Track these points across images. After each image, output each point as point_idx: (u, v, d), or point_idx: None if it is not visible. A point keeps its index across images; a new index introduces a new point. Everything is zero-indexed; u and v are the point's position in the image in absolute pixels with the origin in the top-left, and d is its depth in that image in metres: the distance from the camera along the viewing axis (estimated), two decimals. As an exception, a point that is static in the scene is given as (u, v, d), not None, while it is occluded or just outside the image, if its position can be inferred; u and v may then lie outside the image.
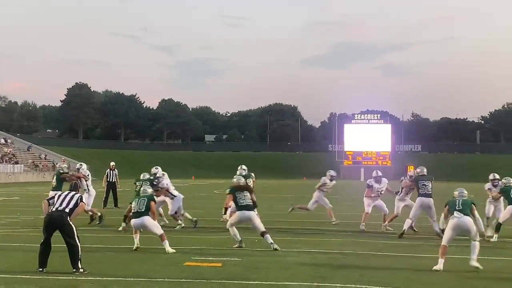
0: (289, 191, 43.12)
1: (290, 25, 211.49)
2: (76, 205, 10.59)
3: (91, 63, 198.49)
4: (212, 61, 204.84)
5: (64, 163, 17.85)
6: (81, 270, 10.04)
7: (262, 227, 13.42)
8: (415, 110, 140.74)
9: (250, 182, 17.51)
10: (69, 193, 10.84)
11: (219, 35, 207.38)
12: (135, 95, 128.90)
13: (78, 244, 10.23)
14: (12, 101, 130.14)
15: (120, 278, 9.69)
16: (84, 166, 19.14)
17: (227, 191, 13.96)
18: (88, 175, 18.88)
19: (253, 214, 13.47)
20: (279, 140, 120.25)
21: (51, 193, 14.70)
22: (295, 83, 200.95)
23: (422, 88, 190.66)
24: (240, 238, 13.46)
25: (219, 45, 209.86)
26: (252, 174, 19.07)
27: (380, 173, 18.04)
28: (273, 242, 13.07)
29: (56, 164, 57.52)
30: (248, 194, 13.58)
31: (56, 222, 10.30)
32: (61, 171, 17.73)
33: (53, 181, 17.56)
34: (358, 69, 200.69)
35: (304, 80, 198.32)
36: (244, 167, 18.92)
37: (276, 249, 12.89)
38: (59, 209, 10.42)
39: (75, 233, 10.32)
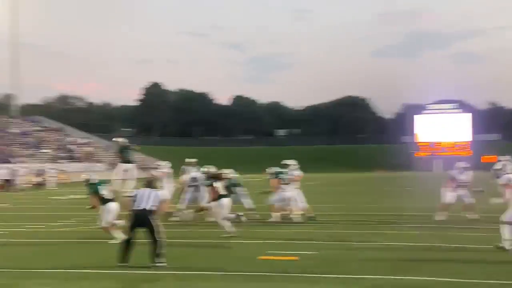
0: (379, 185, 42.67)
1: (359, 16, 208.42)
2: (158, 202, 10.96)
3: (164, 62, 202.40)
4: (281, 56, 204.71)
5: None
6: (159, 264, 10.37)
7: None
8: (490, 98, 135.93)
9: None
10: (151, 190, 11.18)
11: (287, 29, 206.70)
12: (207, 92, 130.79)
13: (161, 239, 10.58)
14: (91, 102, 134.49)
15: (198, 272, 9.95)
16: (164, 164, 19.61)
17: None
18: (166, 173, 19.28)
19: None
20: (350, 132, 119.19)
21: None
22: (366, 74, 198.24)
23: (496, 76, 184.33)
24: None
25: (288, 39, 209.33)
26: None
27: (466, 164, 17.61)
28: None
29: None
30: None
31: (142, 220, 10.66)
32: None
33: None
34: (430, 58, 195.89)
35: (375, 71, 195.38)
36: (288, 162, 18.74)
37: None
38: (143, 207, 10.78)
39: (159, 229, 10.70)
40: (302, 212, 17.96)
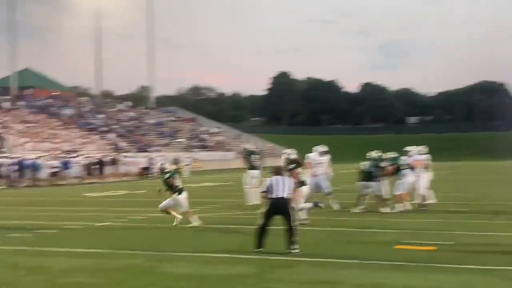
0: None
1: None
2: (292, 189, 10.94)
3: (293, 51, 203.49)
4: (412, 41, 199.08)
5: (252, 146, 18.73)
6: (296, 251, 10.34)
7: None
8: None
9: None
10: (283, 178, 11.16)
11: (417, 14, 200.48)
12: (335, 80, 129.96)
13: (296, 226, 10.56)
14: (221, 92, 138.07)
15: (333, 260, 9.83)
16: (290, 151, 19.63)
17: None
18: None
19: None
20: (486, 119, 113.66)
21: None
22: (503, 58, 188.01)
23: None
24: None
25: (418, 24, 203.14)
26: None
27: None
28: None
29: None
30: None
31: (280, 208, 10.70)
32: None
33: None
34: None
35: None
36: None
37: None
38: (280, 195, 10.79)
39: (295, 217, 10.69)
40: (417, 201, 17.40)
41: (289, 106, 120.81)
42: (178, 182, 15.07)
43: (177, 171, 15.64)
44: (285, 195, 10.76)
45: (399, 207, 17.03)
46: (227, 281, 8.40)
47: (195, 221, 14.78)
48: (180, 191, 14.99)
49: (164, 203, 15.11)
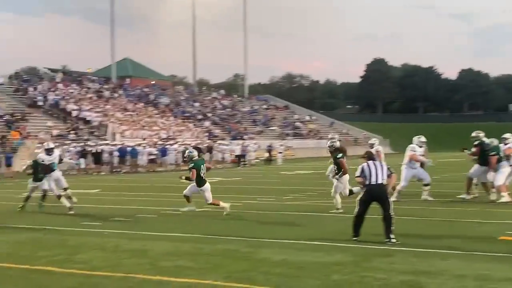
0: None
1: None
2: (387, 175, 10.69)
3: (387, 37, 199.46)
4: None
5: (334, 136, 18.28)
6: (393, 240, 10.11)
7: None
8: None
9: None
10: (378, 163, 10.92)
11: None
12: (433, 66, 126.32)
13: (393, 215, 10.32)
14: (314, 80, 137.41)
15: (433, 250, 9.55)
16: (375, 140, 19.27)
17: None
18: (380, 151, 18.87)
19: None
20: None
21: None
22: None
23: None
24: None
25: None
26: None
27: None
28: None
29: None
30: None
31: (378, 194, 10.48)
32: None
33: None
34: None
35: None
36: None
37: None
38: (378, 182, 10.56)
39: (392, 205, 10.45)
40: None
41: (384, 94, 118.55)
42: (203, 173, 14.90)
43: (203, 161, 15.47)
44: (381, 181, 10.52)
45: (503, 197, 16.31)
46: (324, 268, 8.32)
47: (226, 209, 14.75)
48: (203, 182, 14.87)
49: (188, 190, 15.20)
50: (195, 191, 15.13)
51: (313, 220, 13.57)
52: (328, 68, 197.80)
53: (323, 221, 13.43)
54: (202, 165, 15.05)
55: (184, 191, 15.32)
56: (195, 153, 15.48)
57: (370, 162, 10.83)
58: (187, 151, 15.79)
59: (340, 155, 14.99)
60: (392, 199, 16.01)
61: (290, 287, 7.23)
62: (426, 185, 17.38)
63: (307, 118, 78.44)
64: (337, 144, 15.69)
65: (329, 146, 15.60)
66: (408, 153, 17.57)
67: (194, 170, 14.77)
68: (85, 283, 7.67)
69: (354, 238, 10.43)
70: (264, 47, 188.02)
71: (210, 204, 14.94)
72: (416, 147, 17.64)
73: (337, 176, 14.88)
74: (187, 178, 15.02)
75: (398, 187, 16.90)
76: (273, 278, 7.73)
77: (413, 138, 18.15)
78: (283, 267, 8.47)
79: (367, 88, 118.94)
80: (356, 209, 10.60)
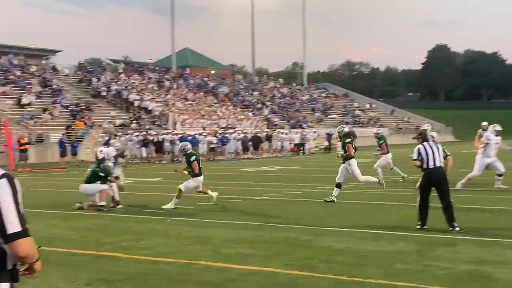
0: None
1: None
2: (443, 157, 10.37)
3: (449, 23, 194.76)
4: None
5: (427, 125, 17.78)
6: (457, 228, 9.90)
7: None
8: None
9: None
10: (435, 145, 10.57)
11: None
12: (497, 52, 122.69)
13: (452, 202, 10.09)
14: (374, 67, 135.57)
15: (499, 239, 9.34)
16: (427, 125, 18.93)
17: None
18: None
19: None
20: None
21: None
22: None
23: None
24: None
25: None
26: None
27: None
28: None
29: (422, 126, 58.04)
30: None
31: (437, 179, 10.22)
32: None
33: None
34: None
35: None
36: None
37: None
38: (437, 165, 10.27)
39: (450, 191, 10.22)
40: None
41: (447, 80, 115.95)
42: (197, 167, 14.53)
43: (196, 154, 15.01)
44: (439, 165, 10.21)
45: None
46: (387, 257, 8.24)
47: (213, 198, 14.65)
48: (197, 175, 14.51)
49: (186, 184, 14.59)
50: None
51: (374, 209, 13.45)
52: (388, 55, 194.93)
53: (384, 210, 13.30)
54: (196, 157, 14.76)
55: (181, 186, 14.57)
56: (189, 145, 15.45)
57: (426, 143, 10.45)
58: (181, 144, 15.60)
59: (348, 139, 15.00)
60: (457, 186, 15.82)
61: (352, 275, 7.19)
62: (500, 175, 16.91)
63: (367, 106, 77.56)
64: (346, 129, 15.78)
65: (338, 132, 15.73)
66: (481, 140, 17.12)
67: (196, 163, 14.53)
68: (150, 269, 7.84)
69: (419, 227, 10.22)
70: (323, 34, 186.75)
71: (200, 192, 14.86)
72: (491, 135, 17.11)
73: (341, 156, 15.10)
74: (187, 171, 14.66)
75: (469, 175, 16.59)
76: (335, 267, 7.70)
77: (489, 127, 17.65)
78: (344, 255, 8.43)
79: (429, 75, 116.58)
80: (418, 198, 10.40)
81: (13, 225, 2.92)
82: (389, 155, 20.17)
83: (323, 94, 78.79)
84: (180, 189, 14.32)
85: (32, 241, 3.00)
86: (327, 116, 68.54)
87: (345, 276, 7.19)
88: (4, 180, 2.98)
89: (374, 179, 15.84)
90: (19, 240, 2.93)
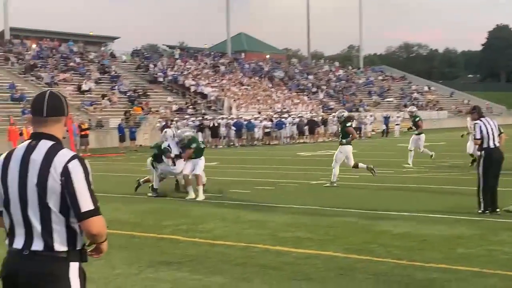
0: None
1: None
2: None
3: (510, 2, 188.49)
4: None
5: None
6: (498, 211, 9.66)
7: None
8: None
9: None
10: (492, 121, 10.21)
11: None
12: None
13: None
14: (433, 49, 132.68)
15: None
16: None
17: None
18: None
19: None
20: None
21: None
22: None
23: None
24: None
25: None
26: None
27: None
28: None
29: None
30: None
31: (498, 159, 9.94)
32: None
33: None
34: None
35: None
36: None
37: None
38: (496, 144, 9.94)
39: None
40: None
41: (508, 62, 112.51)
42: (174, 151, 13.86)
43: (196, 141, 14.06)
44: (498, 143, 9.89)
45: None
46: (447, 241, 8.09)
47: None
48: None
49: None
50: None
51: (433, 193, 13.22)
52: (447, 37, 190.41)
53: (443, 194, 13.04)
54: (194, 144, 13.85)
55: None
56: (188, 129, 14.89)
57: (484, 119, 10.09)
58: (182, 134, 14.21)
59: (349, 123, 15.09)
60: None
61: (413, 259, 7.09)
62: None
63: (425, 88, 76.12)
64: (346, 114, 15.78)
65: (338, 117, 15.82)
66: None
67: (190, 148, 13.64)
68: (210, 251, 7.91)
69: (483, 212, 9.95)
70: (380, 16, 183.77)
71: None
72: None
73: (343, 141, 15.02)
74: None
75: None
76: (394, 251, 7.61)
77: None
78: (404, 239, 8.32)
79: (489, 56, 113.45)
80: (481, 180, 10.07)
81: (86, 204, 3.06)
82: (423, 135, 19.82)
83: (380, 77, 77.72)
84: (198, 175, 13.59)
85: (103, 220, 3.13)
86: (384, 99, 67.62)
87: (405, 260, 7.10)
88: (76, 161, 3.12)
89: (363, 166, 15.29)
90: (92, 218, 3.07)
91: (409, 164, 18.92)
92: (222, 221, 10.33)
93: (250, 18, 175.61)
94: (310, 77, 68.11)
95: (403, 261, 7.08)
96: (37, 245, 3.09)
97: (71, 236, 3.13)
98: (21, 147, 3.21)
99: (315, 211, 11.16)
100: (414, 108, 21.66)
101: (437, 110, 66.54)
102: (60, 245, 3.09)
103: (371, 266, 6.90)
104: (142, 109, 43.58)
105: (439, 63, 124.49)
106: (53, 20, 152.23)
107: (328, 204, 11.76)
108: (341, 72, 74.76)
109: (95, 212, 3.08)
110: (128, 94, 46.53)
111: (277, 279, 6.43)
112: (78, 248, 3.16)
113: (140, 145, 34.78)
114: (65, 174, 3.06)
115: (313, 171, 18.98)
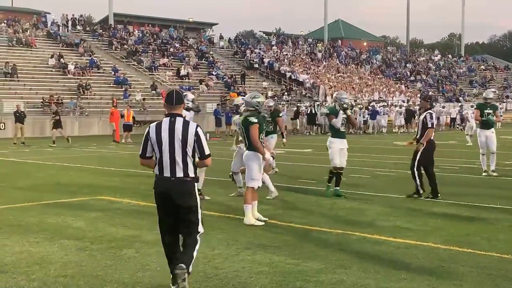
0: None
1: None
2: None
3: None
4: None
5: None
6: None
7: None
8: None
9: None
10: None
11: None
12: None
13: None
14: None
15: None
16: None
17: None
18: None
19: None
20: None
21: None
22: None
23: None
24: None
25: None
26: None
27: None
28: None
29: None
30: None
31: None
32: None
33: None
34: None
35: None
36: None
37: None
38: None
39: None
40: None
41: None
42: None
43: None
44: None
45: None
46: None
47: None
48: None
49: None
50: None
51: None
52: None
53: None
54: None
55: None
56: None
57: None
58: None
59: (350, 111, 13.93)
60: None
61: (518, 255, 6.79)
62: None
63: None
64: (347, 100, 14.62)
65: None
66: None
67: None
68: (306, 237, 7.88)
69: None
70: (483, 3, 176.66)
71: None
72: None
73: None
74: None
75: None
76: (498, 245, 7.31)
77: None
78: (509, 233, 7.99)
79: None
80: None
81: (207, 150, 5.53)
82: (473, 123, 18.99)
83: (482, 67, 74.82)
84: None
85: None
86: (486, 89, 65.11)
87: (511, 255, 6.80)
88: (199, 128, 5.54)
89: None
90: (209, 158, 5.59)
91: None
92: (317, 207, 10.29)
93: (349, 4, 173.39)
94: (408, 65, 66.55)
95: (508, 255, 6.79)
96: (180, 173, 5.41)
97: (195, 168, 5.53)
98: (166, 121, 5.43)
99: (414, 201, 10.93)
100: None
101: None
102: (191, 173, 5.47)
103: (474, 259, 6.65)
104: (238, 94, 44.07)
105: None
106: (155, 6, 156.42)
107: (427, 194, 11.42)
108: (440, 60, 72.50)
109: (209, 155, 5.56)
110: (225, 79, 47.17)
111: (375, 268, 6.32)
112: (196, 176, 5.57)
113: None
114: (196, 134, 5.44)
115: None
